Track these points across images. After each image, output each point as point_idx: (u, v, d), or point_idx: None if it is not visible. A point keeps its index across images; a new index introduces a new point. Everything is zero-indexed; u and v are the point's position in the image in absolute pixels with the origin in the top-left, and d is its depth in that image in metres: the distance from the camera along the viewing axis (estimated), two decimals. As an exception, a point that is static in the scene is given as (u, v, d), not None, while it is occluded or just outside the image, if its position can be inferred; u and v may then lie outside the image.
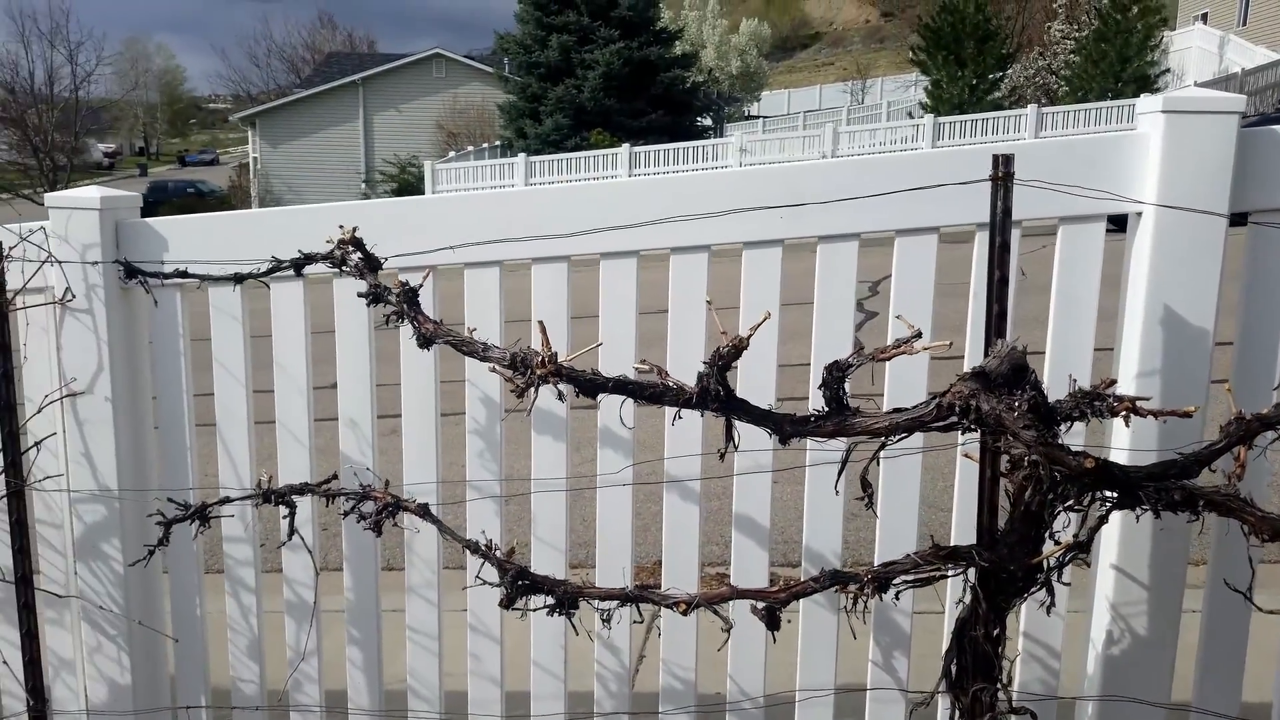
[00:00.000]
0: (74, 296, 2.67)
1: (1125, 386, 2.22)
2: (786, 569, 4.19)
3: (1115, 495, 1.75)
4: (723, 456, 2.04)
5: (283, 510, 2.44)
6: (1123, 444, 2.18)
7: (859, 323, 9.57)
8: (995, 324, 1.97)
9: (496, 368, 2.02)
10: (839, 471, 2.00)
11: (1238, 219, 2.17)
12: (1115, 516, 2.20)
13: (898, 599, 2.12)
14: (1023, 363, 1.73)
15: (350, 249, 2.29)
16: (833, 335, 2.41)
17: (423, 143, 39.86)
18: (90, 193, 2.67)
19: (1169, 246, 2.16)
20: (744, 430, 1.97)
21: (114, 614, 2.79)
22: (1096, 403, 1.65)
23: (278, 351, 2.72)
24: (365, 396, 2.70)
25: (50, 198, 2.68)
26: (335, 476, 2.45)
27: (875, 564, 2.08)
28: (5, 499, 2.64)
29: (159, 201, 41.35)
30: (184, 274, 2.65)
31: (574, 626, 2.23)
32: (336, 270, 2.39)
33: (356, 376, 2.69)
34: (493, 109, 38.21)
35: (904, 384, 2.36)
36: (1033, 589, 1.92)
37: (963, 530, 2.37)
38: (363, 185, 40.74)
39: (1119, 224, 2.30)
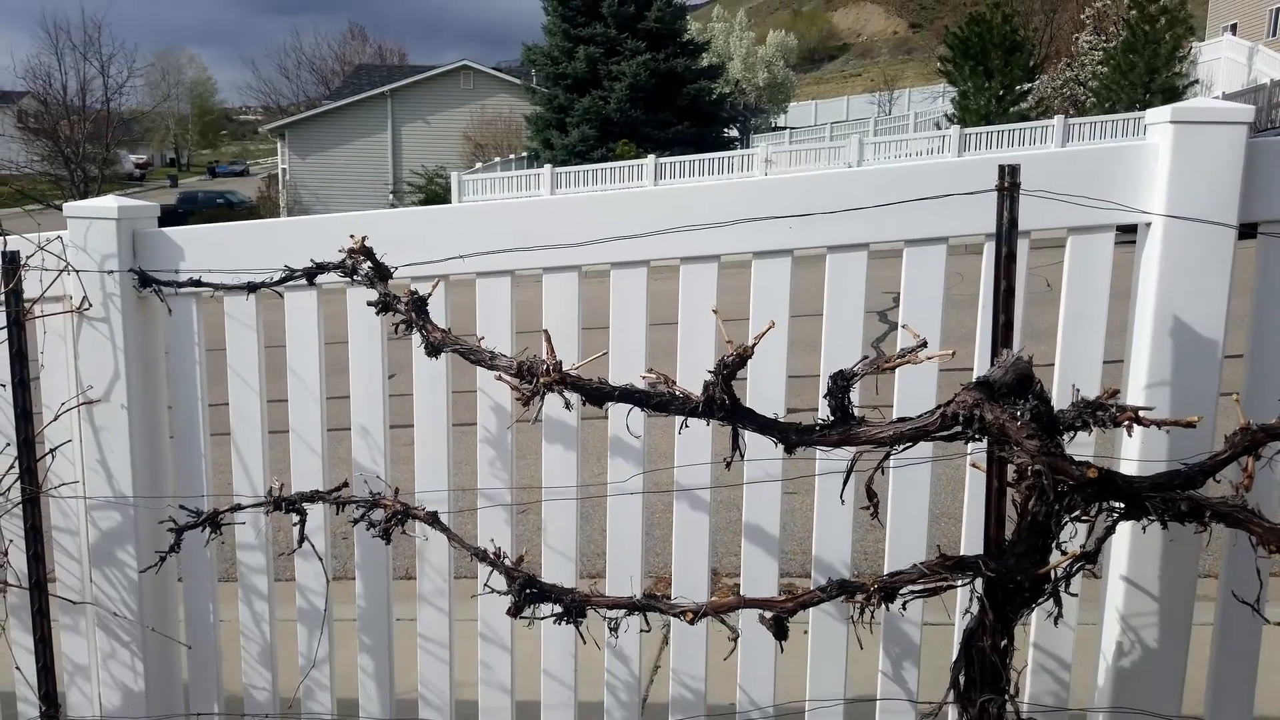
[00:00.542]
0: (91, 305, 2.70)
1: (1135, 397, 2.20)
2: (805, 580, 4.18)
3: (1122, 506, 1.74)
4: (729, 465, 2.04)
5: (294, 518, 2.45)
6: (1134, 456, 2.16)
7: (882, 334, 9.55)
8: (1002, 334, 1.96)
9: (503, 376, 2.03)
10: (844, 481, 1.99)
11: (1248, 232, 2.15)
12: (1124, 528, 2.19)
13: (905, 609, 2.11)
14: (1028, 373, 1.72)
15: (360, 258, 2.30)
16: (842, 345, 2.41)
17: (450, 154, 40.06)
18: (108, 202, 2.70)
19: (1178, 257, 2.14)
20: (753, 440, 1.97)
21: (128, 620, 2.82)
22: (1100, 412, 1.64)
23: (292, 360, 2.75)
24: (377, 405, 2.72)
25: (69, 207, 2.72)
26: (346, 484, 2.46)
27: (884, 574, 2.07)
28: (21, 505, 2.66)
29: (189, 212, 41.81)
30: (198, 283, 2.68)
31: (582, 635, 2.22)
32: (348, 279, 2.41)
33: (368, 385, 2.71)
34: (520, 120, 38.39)
35: (913, 395, 2.35)
36: (1040, 599, 1.91)
37: (972, 541, 2.35)
38: (390, 196, 41.01)
39: (1134, 233, 2.29)
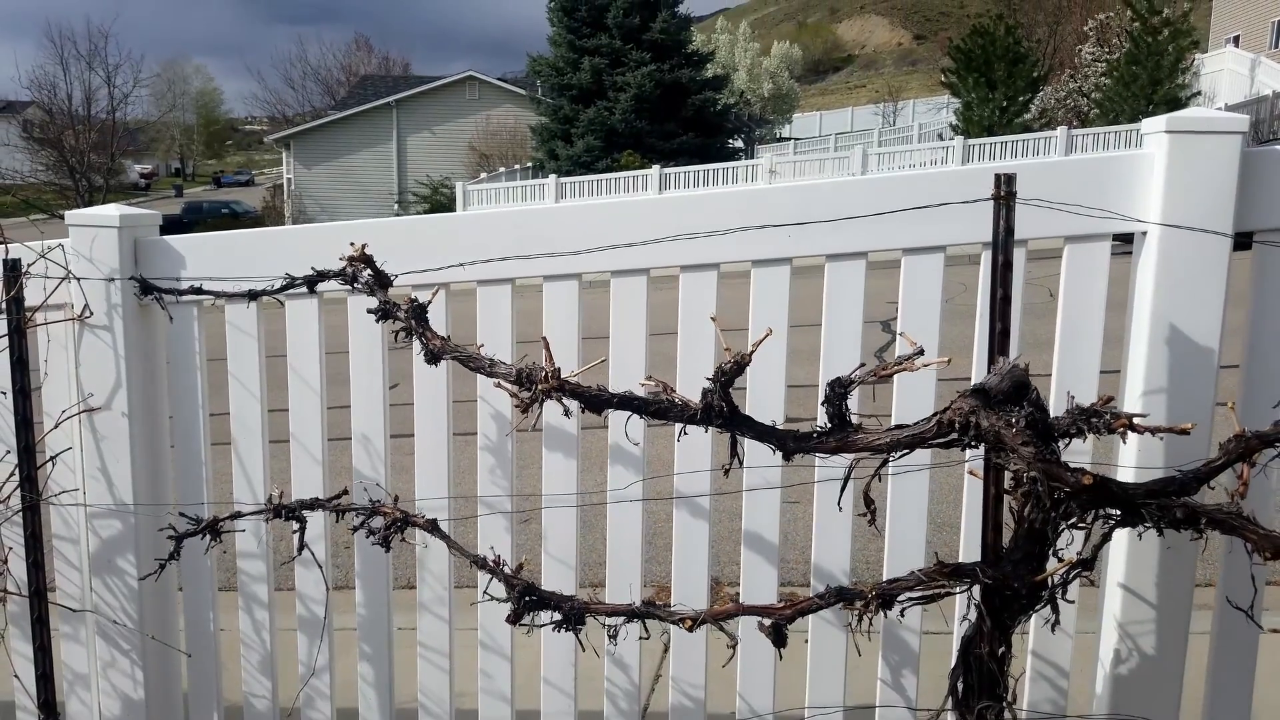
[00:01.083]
0: (92, 313, 2.71)
1: (1131, 406, 2.21)
2: (807, 589, 4.17)
3: (1118, 513, 1.75)
4: (727, 472, 2.04)
5: (294, 526, 2.46)
6: (1130, 464, 2.17)
7: (885, 344, 9.55)
8: (998, 342, 1.96)
9: (502, 383, 2.04)
10: (841, 488, 1.99)
11: (1244, 244, 2.16)
12: (1121, 536, 2.20)
13: (903, 616, 2.11)
14: (1024, 380, 1.73)
15: (361, 266, 2.31)
16: (840, 353, 2.41)
17: (455, 164, 40.14)
18: (109, 210, 2.72)
19: (1173, 266, 2.15)
20: (753, 448, 1.97)
21: (128, 629, 2.82)
22: (1094, 419, 1.64)
23: (293, 367, 2.75)
24: (378, 413, 2.72)
25: (71, 215, 2.73)
26: (346, 492, 2.46)
27: (883, 581, 2.08)
28: (21, 513, 2.67)
29: (194, 222, 41.81)
30: (200, 291, 2.69)
31: (581, 643, 2.23)
32: (349, 287, 2.42)
33: (369, 393, 2.72)
34: (525, 131, 38.47)
35: (911, 403, 2.35)
36: (1037, 606, 1.91)
37: (970, 549, 2.36)
38: (395, 206, 41.08)
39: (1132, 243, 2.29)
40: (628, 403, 1.97)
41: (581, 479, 2.65)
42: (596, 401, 1.98)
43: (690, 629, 2.02)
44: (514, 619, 2.13)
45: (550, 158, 34.91)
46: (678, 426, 1.98)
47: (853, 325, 2.42)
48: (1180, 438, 2.04)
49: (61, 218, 2.80)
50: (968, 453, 2.02)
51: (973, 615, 1.96)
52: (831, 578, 2.49)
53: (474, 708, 2.81)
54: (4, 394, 2.70)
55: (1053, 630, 1.97)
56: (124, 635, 2.83)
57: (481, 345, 2.37)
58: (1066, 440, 1.69)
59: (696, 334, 2.51)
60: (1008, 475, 1.84)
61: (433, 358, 2.18)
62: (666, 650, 3.66)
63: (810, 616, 2.42)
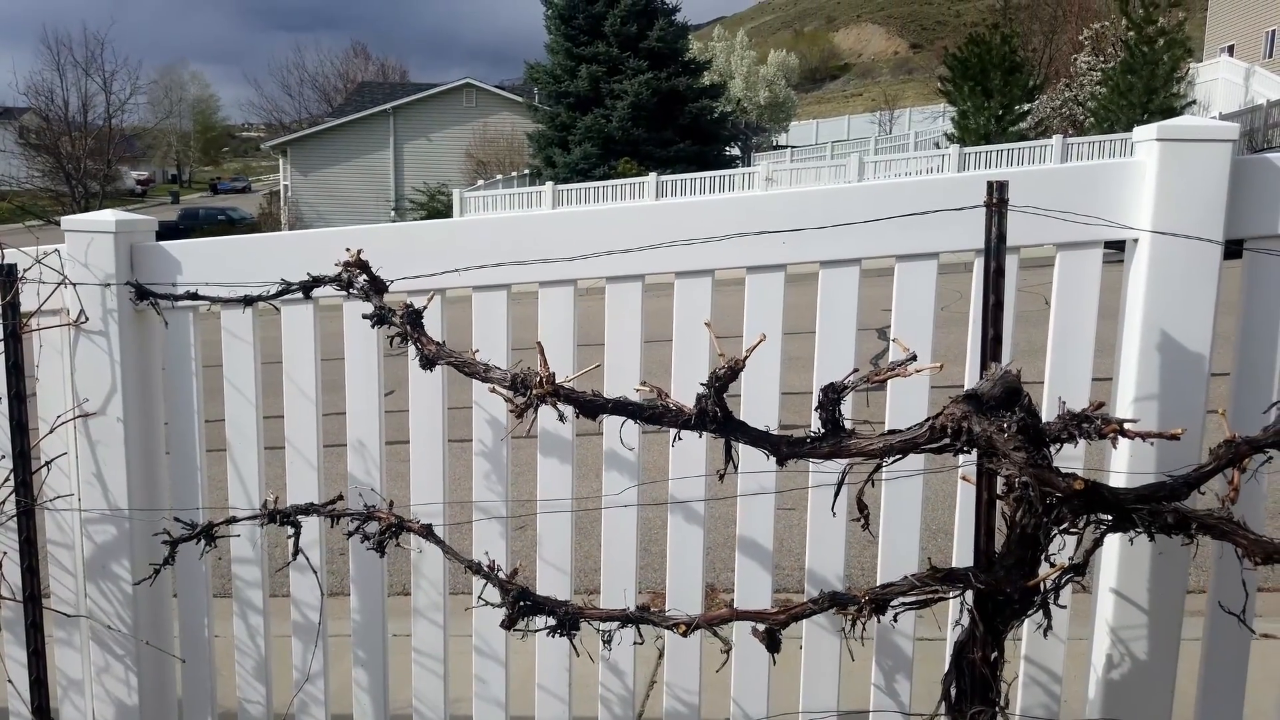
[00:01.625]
0: (88, 318, 2.72)
1: (1124, 412, 2.22)
2: (803, 596, 4.19)
3: (1109, 518, 1.75)
4: (722, 477, 2.06)
5: (289, 531, 2.46)
6: (1122, 469, 2.18)
7: (881, 351, 9.56)
8: (990, 348, 1.97)
9: (497, 388, 2.05)
10: (835, 493, 2.00)
11: (1235, 253, 2.17)
12: (1114, 541, 2.20)
13: (896, 621, 2.11)
14: (1016, 386, 1.73)
15: (356, 271, 2.32)
16: (834, 359, 2.42)
17: (452, 171, 40.15)
18: (105, 216, 2.72)
19: (1164, 273, 2.16)
20: (748, 454, 1.98)
21: (122, 634, 2.82)
22: (1085, 424, 1.65)
23: (288, 373, 2.76)
24: (373, 418, 2.73)
25: (67, 221, 2.74)
26: (341, 497, 2.47)
27: (875, 586, 2.08)
28: (15, 518, 2.67)
29: (190, 228, 41.88)
30: (195, 296, 2.69)
31: (575, 648, 2.23)
32: (344, 293, 2.43)
33: (364, 398, 2.72)
34: (522, 138, 38.49)
35: (905, 409, 2.36)
36: (1029, 611, 1.92)
37: (963, 554, 2.36)
38: (392, 213, 41.10)
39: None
40: (622, 408, 1.98)
41: (577, 486, 2.65)
42: (591, 406, 1.99)
43: (684, 634, 2.03)
44: (508, 624, 2.13)
45: (547, 165, 34.93)
46: (672, 432, 1.99)
47: (847, 331, 2.43)
48: (1172, 444, 2.04)
49: (57, 224, 2.81)
50: (961, 458, 2.03)
51: (965, 620, 1.97)
52: (826, 583, 2.50)
53: (469, 714, 2.81)
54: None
55: (1045, 635, 1.98)
56: (118, 640, 2.83)
57: (476, 351, 2.38)
58: (1058, 446, 1.70)
59: (691, 340, 2.52)
60: (1000, 480, 1.85)
61: (427, 363, 2.18)
62: (661, 656, 3.67)
63: (804, 622, 2.43)
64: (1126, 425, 1.62)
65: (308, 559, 2.64)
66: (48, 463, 2.77)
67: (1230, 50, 36.69)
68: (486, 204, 31.17)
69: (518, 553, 2.73)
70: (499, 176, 36.02)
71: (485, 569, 2.19)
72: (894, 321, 2.39)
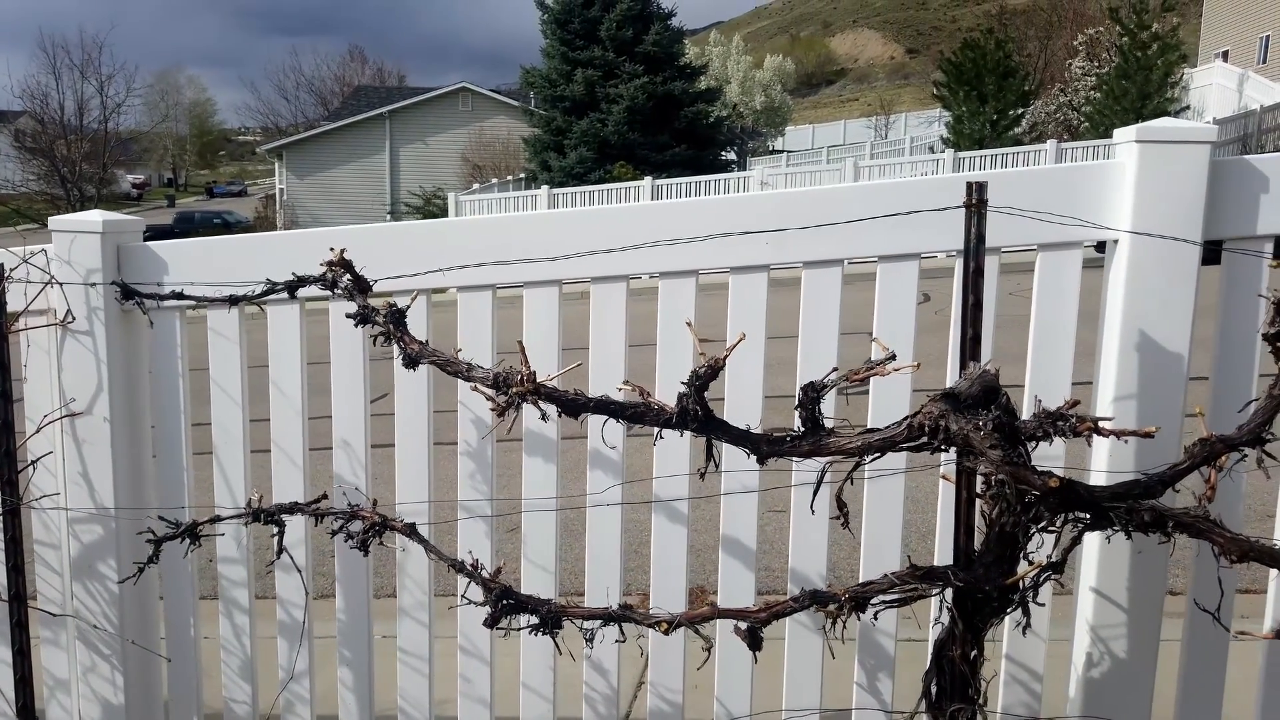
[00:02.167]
0: (74, 318, 2.72)
1: (1104, 411, 2.23)
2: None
3: (1087, 516, 1.76)
4: (703, 476, 2.06)
5: (270, 529, 2.47)
6: (1102, 468, 2.19)
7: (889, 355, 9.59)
8: (970, 348, 1.98)
9: (479, 386, 2.06)
10: (814, 492, 2.01)
11: (1214, 258, 2.18)
12: (1093, 540, 2.22)
13: (876, 619, 2.13)
14: (994, 385, 1.74)
15: (340, 271, 2.33)
16: (817, 360, 2.43)
17: (448, 175, 40.14)
18: (92, 216, 2.73)
19: (1143, 273, 2.18)
20: (732, 455, 1.99)
21: (109, 633, 2.82)
22: (1060, 422, 1.66)
23: (274, 373, 2.76)
24: (359, 418, 2.73)
25: (54, 221, 2.74)
26: (325, 496, 2.47)
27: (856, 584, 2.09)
28: (1, 517, 2.68)
29: (186, 231, 41.79)
30: (180, 295, 2.70)
31: (559, 646, 2.24)
32: (329, 293, 2.43)
33: (350, 398, 2.73)
34: (518, 142, 38.47)
35: (887, 410, 2.37)
36: (1008, 609, 1.93)
37: (945, 553, 2.37)
38: (388, 217, 41.06)
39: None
40: (604, 407, 1.99)
41: (568, 488, 2.66)
42: (573, 405, 1.99)
43: (666, 632, 2.04)
44: (491, 622, 2.14)
45: (543, 169, 34.90)
46: (655, 432, 2.00)
47: (829, 332, 2.44)
48: (1151, 443, 2.06)
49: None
50: (942, 457, 2.04)
51: (945, 618, 1.98)
52: (809, 582, 2.51)
53: (454, 714, 2.81)
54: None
55: (1024, 633, 1.99)
56: (104, 640, 2.83)
57: (459, 350, 2.39)
58: (1034, 444, 1.71)
59: (675, 341, 2.53)
60: (979, 479, 1.86)
61: (410, 362, 2.19)
62: (643, 655, 3.67)
63: (787, 621, 2.44)
64: (1101, 423, 1.64)
65: (292, 558, 2.65)
66: (34, 462, 2.78)
67: (1225, 56, 36.75)
68: (482, 208, 31.13)
69: (504, 554, 2.74)
70: (495, 180, 35.98)
71: (468, 568, 2.19)
72: (876, 322, 2.40)
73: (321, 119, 60.24)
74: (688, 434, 2.01)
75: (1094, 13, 38.93)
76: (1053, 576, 1.89)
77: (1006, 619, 2.26)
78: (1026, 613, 1.92)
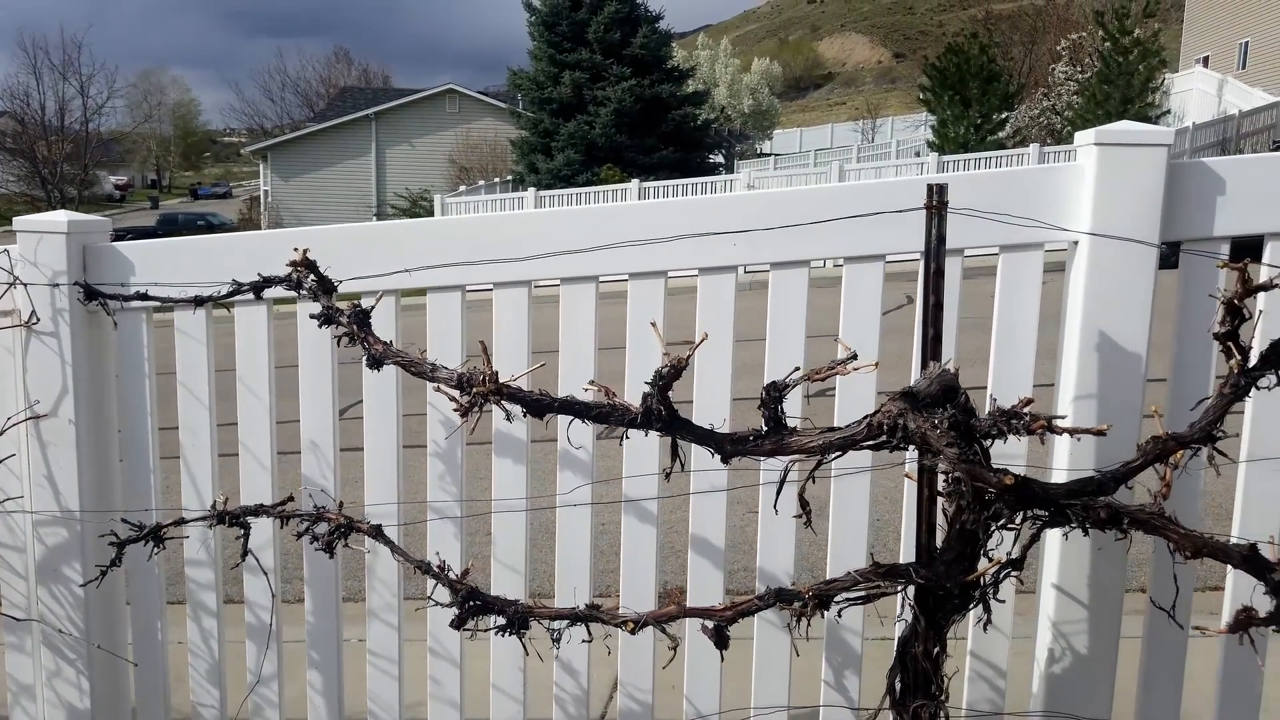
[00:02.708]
0: (39, 319, 2.71)
1: (1064, 410, 2.25)
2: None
3: (1045, 514, 1.77)
4: (668, 476, 2.06)
5: (239, 532, 2.46)
6: (1065, 468, 2.20)
7: (851, 356, 9.61)
8: (931, 347, 1.99)
9: (443, 387, 2.05)
10: (777, 491, 2.01)
11: (1171, 262, 2.20)
12: (1055, 538, 2.23)
13: (840, 617, 2.13)
14: (953, 384, 1.75)
15: (305, 271, 2.32)
16: (783, 360, 2.43)
17: (435, 177, 40.09)
18: (57, 216, 2.72)
19: (1102, 274, 2.19)
20: (700, 455, 1.99)
21: (74, 638, 2.81)
22: (1014, 420, 1.67)
23: (242, 375, 2.75)
24: (327, 419, 2.73)
25: (18, 221, 2.73)
26: (291, 498, 2.46)
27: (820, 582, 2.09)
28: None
29: (169, 233, 41.60)
30: (145, 296, 2.68)
31: (526, 646, 2.23)
32: (295, 292, 2.42)
33: (318, 399, 2.72)
34: (505, 144, 38.44)
35: (851, 411, 2.37)
36: (970, 606, 1.94)
37: (910, 551, 2.37)
38: (373, 219, 40.98)
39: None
40: (569, 407, 1.99)
41: (539, 491, 2.65)
42: (538, 406, 1.99)
43: (632, 631, 2.04)
44: (458, 623, 2.13)
45: (530, 171, 34.88)
46: (621, 432, 2.00)
47: (796, 333, 2.44)
48: (1110, 441, 2.07)
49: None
50: (908, 456, 2.05)
51: (909, 615, 1.98)
52: (776, 581, 2.51)
53: (424, 716, 2.80)
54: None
55: (985, 629, 2.00)
56: (70, 644, 2.82)
57: (424, 351, 2.38)
58: (990, 441, 1.71)
59: (643, 342, 2.53)
60: (941, 478, 1.87)
61: (375, 362, 2.18)
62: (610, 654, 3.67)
63: (755, 620, 2.44)
64: (1055, 421, 1.65)
65: (258, 560, 2.64)
66: (-2, 463, 2.76)
67: (1205, 61, 36.95)
68: (469, 209, 31.08)
69: (475, 555, 2.73)
70: (481, 182, 35.96)
71: (435, 569, 2.19)
72: (841, 322, 2.41)
73: (307, 120, 60.11)
74: (651, 433, 2.01)
75: (1078, 18, 39.15)
76: (1013, 573, 1.90)
77: (970, 616, 2.27)
78: (988, 609, 1.93)
